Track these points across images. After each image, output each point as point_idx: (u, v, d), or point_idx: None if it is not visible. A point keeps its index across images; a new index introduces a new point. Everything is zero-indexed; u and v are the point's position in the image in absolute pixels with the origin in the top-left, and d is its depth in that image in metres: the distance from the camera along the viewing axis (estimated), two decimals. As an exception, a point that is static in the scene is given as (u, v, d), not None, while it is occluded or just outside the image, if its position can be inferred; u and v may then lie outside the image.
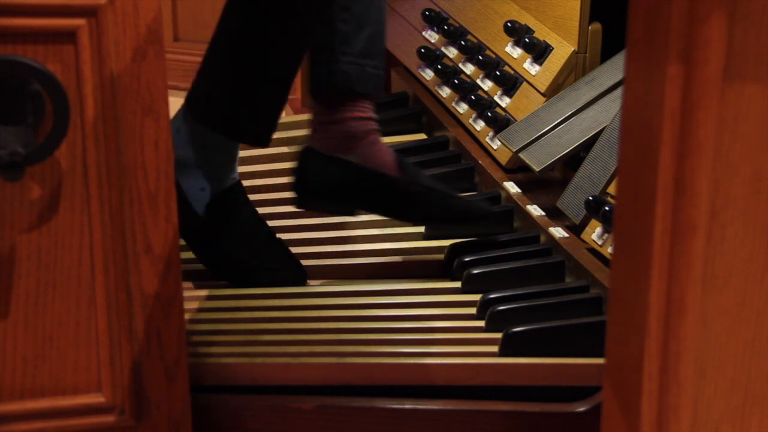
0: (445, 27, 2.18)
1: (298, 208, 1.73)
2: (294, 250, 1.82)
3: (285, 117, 2.23)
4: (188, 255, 1.80)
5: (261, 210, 1.79)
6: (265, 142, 1.63)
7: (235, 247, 1.66)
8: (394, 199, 1.68)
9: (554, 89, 1.92)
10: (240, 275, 1.70)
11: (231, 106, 1.61)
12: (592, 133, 1.80)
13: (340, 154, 1.66)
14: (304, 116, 2.22)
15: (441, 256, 1.80)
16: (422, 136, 2.17)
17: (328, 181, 1.64)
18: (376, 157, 1.67)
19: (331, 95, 1.66)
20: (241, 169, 1.79)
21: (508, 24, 2.00)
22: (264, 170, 2.03)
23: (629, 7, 0.95)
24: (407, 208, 1.70)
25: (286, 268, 1.71)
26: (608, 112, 1.81)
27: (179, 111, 1.67)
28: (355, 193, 1.65)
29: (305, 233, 1.88)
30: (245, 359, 1.53)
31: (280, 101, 1.61)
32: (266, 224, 1.72)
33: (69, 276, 1.31)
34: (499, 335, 1.55)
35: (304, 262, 1.79)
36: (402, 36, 2.33)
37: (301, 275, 1.71)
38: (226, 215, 1.66)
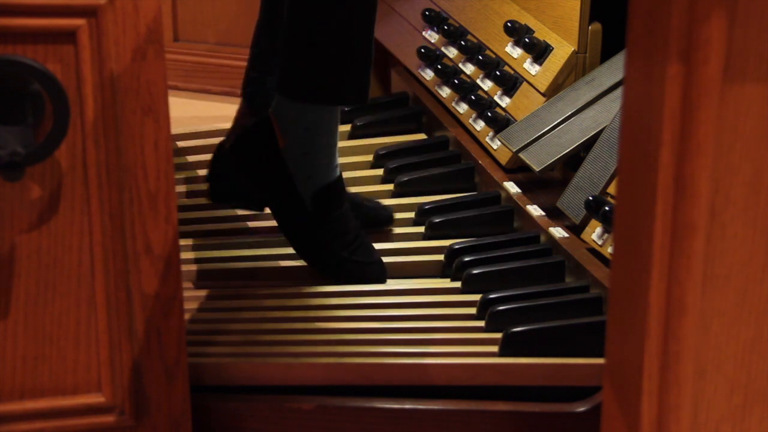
0: (445, 27, 2.17)
1: (211, 200, 1.85)
2: (292, 250, 1.83)
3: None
4: (188, 255, 1.81)
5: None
6: (365, 100, 1.71)
7: (332, 240, 1.73)
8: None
9: (554, 89, 1.92)
10: (330, 267, 1.75)
11: (324, 73, 1.66)
12: (592, 133, 1.80)
13: None
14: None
15: (441, 256, 1.80)
16: (422, 136, 2.17)
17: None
18: None
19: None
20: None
21: (508, 24, 2.00)
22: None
23: (629, 7, 0.95)
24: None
25: (374, 263, 1.76)
26: (608, 112, 1.81)
27: (277, 100, 1.72)
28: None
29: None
30: (245, 359, 1.53)
31: (366, 58, 1.68)
32: (356, 218, 1.78)
33: (69, 276, 1.31)
34: (499, 335, 1.55)
35: (303, 263, 1.79)
36: (402, 36, 2.33)
37: (384, 271, 1.76)
38: (332, 209, 1.73)
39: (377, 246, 1.83)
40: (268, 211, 1.81)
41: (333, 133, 1.73)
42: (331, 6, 1.63)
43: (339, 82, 1.67)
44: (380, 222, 1.87)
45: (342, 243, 1.73)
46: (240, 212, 1.92)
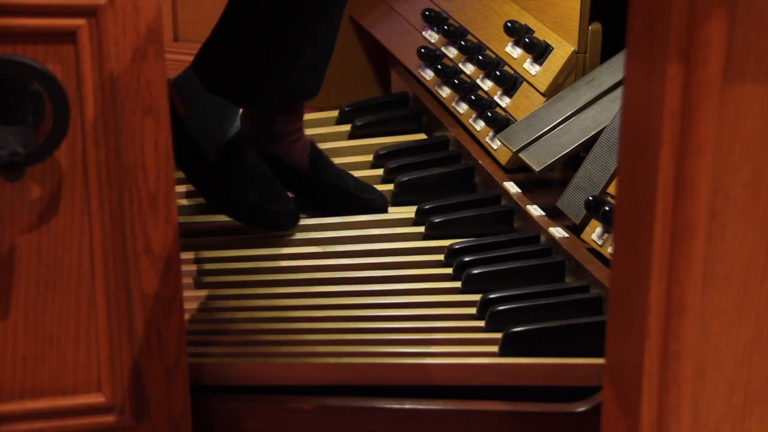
0: (445, 27, 2.17)
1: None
2: (293, 249, 1.83)
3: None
4: (188, 255, 1.81)
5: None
6: (265, 110, 1.83)
7: (242, 188, 1.79)
8: (302, 190, 1.90)
9: (554, 89, 1.92)
10: (243, 214, 1.82)
11: (241, 78, 1.75)
12: (592, 133, 1.80)
13: (264, 145, 1.86)
14: (307, 116, 2.22)
15: (441, 257, 1.80)
16: (422, 136, 2.17)
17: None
18: (293, 154, 1.88)
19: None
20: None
21: (508, 24, 2.00)
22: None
23: (629, 7, 0.95)
24: (313, 199, 1.92)
25: (284, 210, 1.84)
26: (608, 112, 1.81)
27: (185, 71, 1.79)
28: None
29: (305, 233, 1.88)
30: (245, 359, 1.53)
31: (289, 76, 1.77)
32: (266, 166, 1.84)
33: (69, 276, 1.31)
34: (499, 335, 1.55)
35: (304, 262, 1.79)
36: (402, 36, 2.33)
37: (296, 219, 1.85)
38: (234, 159, 1.80)
39: (377, 246, 1.83)
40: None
41: (238, 108, 1.81)
42: (270, 16, 1.70)
43: (253, 90, 1.76)
44: (373, 212, 1.92)
45: (252, 190, 1.80)
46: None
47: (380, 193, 1.94)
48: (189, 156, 1.78)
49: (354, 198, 1.90)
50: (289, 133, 1.88)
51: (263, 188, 1.81)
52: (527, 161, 1.85)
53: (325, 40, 1.80)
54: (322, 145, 2.08)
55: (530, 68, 1.96)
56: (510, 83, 1.99)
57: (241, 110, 1.83)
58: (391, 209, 1.95)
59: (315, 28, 1.74)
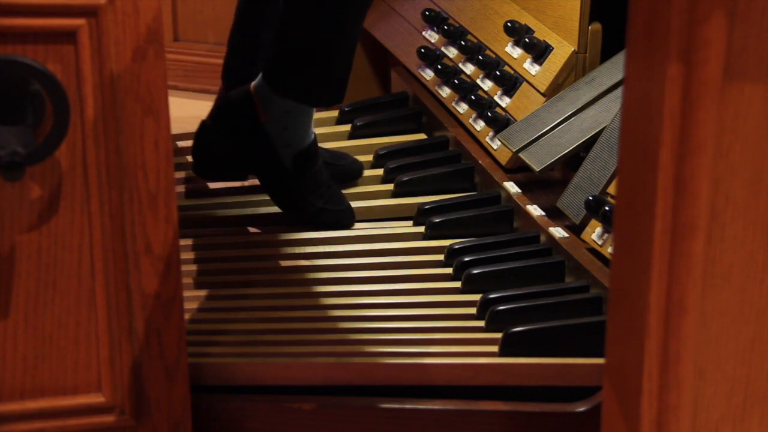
0: (445, 27, 2.17)
1: (196, 174, 1.96)
2: (293, 250, 1.83)
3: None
4: (188, 255, 1.81)
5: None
6: (339, 101, 1.90)
7: (310, 193, 1.90)
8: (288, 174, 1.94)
9: (554, 89, 1.92)
10: (310, 216, 1.91)
11: (307, 76, 1.83)
12: (592, 133, 1.80)
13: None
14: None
15: (441, 257, 1.80)
16: (422, 136, 2.17)
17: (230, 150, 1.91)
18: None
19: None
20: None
21: (508, 24, 2.00)
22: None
23: (629, 7, 0.95)
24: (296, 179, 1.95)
25: (344, 210, 1.93)
26: (608, 112, 1.81)
27: (258, 80, 1.87)
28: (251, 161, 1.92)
29: (305, 233, 1.88)
30: (245, 359, 1.53)
31: (348, 66, 1.86)
32: (328, 171, 1.95)
33: (69, 276, 1.31)
34: (499, 335, 1.55)
35: (304, 263, 1.79)
36: (402, 36, 2.33)
37: (352, 216, 1.94)
38: (308, 167, 1.90)
39: (377, 246, 1.84)
40: (249, 183, 1.99)
41: (310, 112, 1.89)
42: (325, 14, 1.78)
43: (321, 85, 1.84)
44: (352, 176, 2.03)
45: (317, 194, 1.90)
46: (239, 212, 1.92)
47: (352, 157, 2.04)
48: (266, 161, 1.88)
49: (329, 166, 1.98)
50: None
51: (325, 191, 1.91)
52: (527, 161, 1.85)
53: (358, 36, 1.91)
54: (322, 145, 2.09)
55: (530, 68, 1.96)
56: (510, 83, 1.99)
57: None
58: (391, 209, 1.95)
59: (357, 26, 1.84)
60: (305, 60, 1.82)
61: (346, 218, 1.93)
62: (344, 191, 1.96)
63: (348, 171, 2.03)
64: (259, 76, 1.86)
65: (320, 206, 1.90)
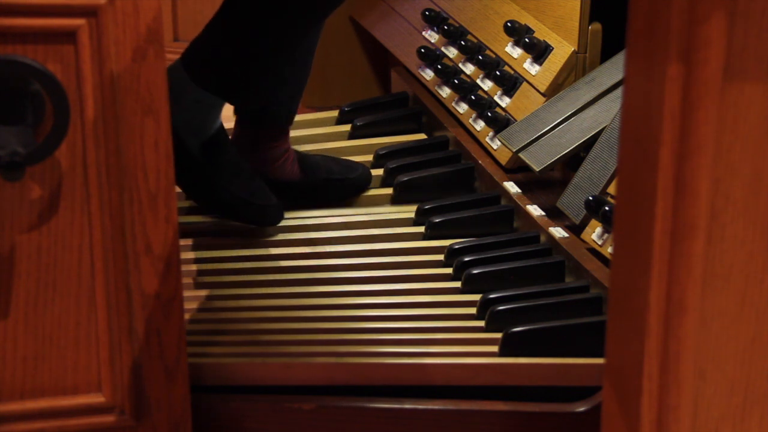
0: (445, 27, 2.17)
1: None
2: (293, 250, 1.83)
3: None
4: (188, 255, 1.81)
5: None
6: (251, 106, 1.86)
7: (227, 183, 1.81)
8: (297, 197, 1.95)
9: (554, 89, 1.92)
10: (231, 209, 1.84)
11: (227, 71, 1.77)
12: (592, 133, 1.80)
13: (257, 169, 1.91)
14: (307, 116, 2.22)
15: (441, 257, 1.80)
16: (422, 136, 2.17)
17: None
18: (284, 172, 1.93)
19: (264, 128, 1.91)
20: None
21: (508, 24, 2.00)
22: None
23: (629, 7, 0.95)
24: (308, 199, 1.95)
25: (271, 204, 1.87)
26: (608, 112, 1.81)
27: (173, 65, 1.80)
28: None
29: (305, 233, 1.88)
30: (245, 359, 1.53)
31: (274, 72, 1.80)
32: (247, 162, 1.87)
33: (69, 276, 1.31)
34: (499, 335, 1.55)
35: (304, 262, 1.79)
36: (402, 36, 2.33)
37: (281, 213, 1.88)
38: (217, 153, 1.82)
39: (377, 246, 1.83)
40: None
41: (221, 104, 1.82)
42: (265, 17, 1.73)
43: (244, 85, 1.79)
44: (363, 186, 1.99)
45: (239, 185, 1.82)
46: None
47: (362, 165, 2.00)
48: (174, 153, 1.80)
49: (343, 182, 1.95)
50: (279, 156, 1.92)
51: (247, 183, 1.84)
52: (527, 161, 1.85)
53: (305, 59, 1.87)
54: (322, 145, 2.10)
55: (530, 68, 1.96)
56: (510, 83, 1.99)
57: (230, 136, 1.89)
58: (391, 209, 1.96)
59: (301, 39, 1.79)
60: (233, 54, 1.76)
61: (270, 214, 1.86)
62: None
63: (359, 183, 1.98)
64: (175, 61, 1.81)
65: (243, 197, 1.83)
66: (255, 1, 1.72)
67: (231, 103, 1.83)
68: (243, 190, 1.82)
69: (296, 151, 1.96)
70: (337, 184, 1.95)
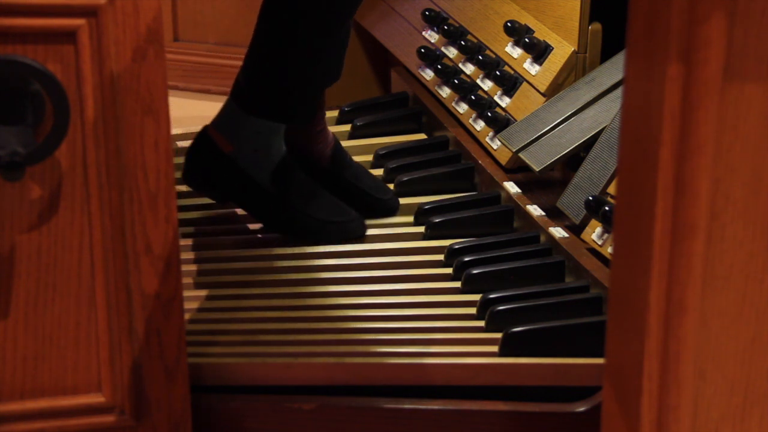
0: (445, 27, 2.17)
1: (183, 180, 1.89)
2: (293, 250, 1.83)
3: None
4: (188, 255, 1.81)
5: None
6: (311, 120, 1.86)
7: (305, 207, 1.83)
8: (323, 180, 1.91)
9: (554, 89, 1.92)
10: (314, 232, 1.84)
11: (278, 95, 1.79)
12: (592, 133, 1.80)
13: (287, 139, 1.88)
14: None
15: (441, 257, 1.80)
16: (422, 136, 2.17)
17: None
18: (314, 149, 1.90)
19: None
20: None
21: (508, 24, 2.00)
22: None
23: (629, 7, 0.95)
24: (335, 191, 1.91)
25: (350, 221, 1.86)
26: (608, 112, 1.81)
27: (221, 112, 1.84)
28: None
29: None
30: (245, 359, 1.53)
31: (322, 81, 1.82)
32: (317, 183, 1.87)
33: (69, 276, 1.31)
34: (499, 335, 1.55)
35: (303, 263, 1.79)
36: (402, 36, 2.33)
37: (364, 225, 1.87)
38: (289, 180, 1.83)
39: (376, 246, 1.83)
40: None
41: (281, 129, 1.84)
42: (295, 32, 1.74)
43: (294, 103, 1.80)
44: (390, 212, 1.93)
45: (316, 207, 1.83)
46: (240, 211, 1.92)
47: (393, 193, 1.95)
48: (245, 190, 1.83)
49: (367, 196, 1.91)
50: (315, 131, 1.90)
51: (323, 202, 1.84)
52: (527, 161, 1.85)
53: (345, 38, 1.85)
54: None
55: (530, 68, 1.96)
56: (510, 83, 1.99)
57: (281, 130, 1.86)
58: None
59: (340, 29, 1.79)
60: (276, 75, 1.77)
61: (353, 229, 1.85)
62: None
63: (383, 206, 1.93)
64: (218, 114, 1.83)
65: (323, 219, 1.83)
66: (286, 18, 1.74)
67: (293, 123, 1.85)
68: (321, 211, 1.84)
69: (337, 143, 1.94)
70: (359, 194, 1.91)
